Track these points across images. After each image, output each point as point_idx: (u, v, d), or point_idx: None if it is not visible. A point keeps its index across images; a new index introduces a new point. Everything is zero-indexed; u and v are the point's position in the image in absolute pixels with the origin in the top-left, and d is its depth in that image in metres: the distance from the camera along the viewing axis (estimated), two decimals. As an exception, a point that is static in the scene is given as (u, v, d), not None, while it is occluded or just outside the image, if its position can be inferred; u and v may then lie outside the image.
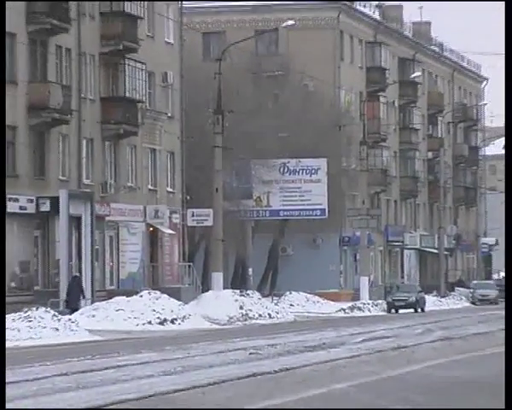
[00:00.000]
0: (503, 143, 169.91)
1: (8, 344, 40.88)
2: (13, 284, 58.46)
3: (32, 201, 59.65)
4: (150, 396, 21.83)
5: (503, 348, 35.98)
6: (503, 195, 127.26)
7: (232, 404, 20.65)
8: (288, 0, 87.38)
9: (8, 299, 54.65)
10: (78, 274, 61.94)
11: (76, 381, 25.27)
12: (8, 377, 26.22)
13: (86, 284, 61.41)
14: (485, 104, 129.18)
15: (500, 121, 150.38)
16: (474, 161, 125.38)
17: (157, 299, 58.17)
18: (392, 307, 77.88)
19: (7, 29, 57.99)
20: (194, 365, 29.94)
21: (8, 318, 47.62)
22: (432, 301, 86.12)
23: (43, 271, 60.87)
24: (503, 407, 8.96)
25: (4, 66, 51.81)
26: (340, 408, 18.37)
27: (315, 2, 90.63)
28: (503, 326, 49.87)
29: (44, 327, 46.69)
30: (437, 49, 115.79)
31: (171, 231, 71.87)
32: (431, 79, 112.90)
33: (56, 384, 24.52)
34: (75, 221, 61.65)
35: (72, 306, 57.25)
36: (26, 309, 49.49)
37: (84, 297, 59.20)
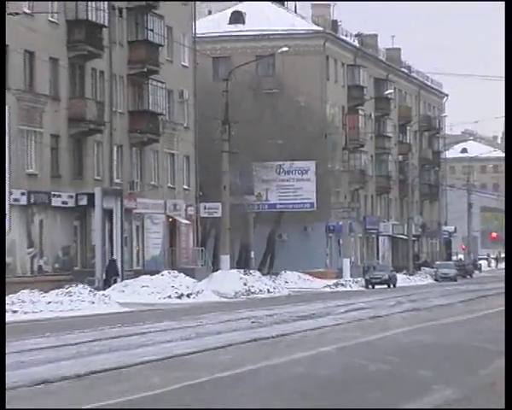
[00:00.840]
0: (461, 147, 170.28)
1: (51, 315, 41.21)
2: (56, 265, 58.51)
3: (72, 197, 59.74)
4: (169, 358, 22.07)
5: (460, 317, 36.22)
6: (461, 191, 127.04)
7: (236, 364, 20.58)
8: (283, 30, 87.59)
9: (52, 277, 54.70)
10: (115, 258, 62.53)
11: (108, 345, 25.56)
12: (52, 342, 26.93)
13: (119, 265, 61.71)
14: (446, 116, 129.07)
15: (458, 130, 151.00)
16: (437, 163, 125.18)
17: (175, 277, 58.28)
18: (370, 283, 77.72)
19: (51, 55, 58.29)
20: (205, 331, 29.99)
21: (52, 293, 47.57)
22: (402, 279, 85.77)
23: (82, 254, 60.86)
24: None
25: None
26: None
27: (305, 32, 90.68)
28: (461, 299, 50.05)
29: (82, 301, 46.67)
30: (406, 70, 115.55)
31: (186, 221, 71.88)
32: (401, 95, 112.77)
33: (91, 348, 24.70)
34: (108, 213, 61.69)
35: (109, 283, 57.64)
36: (67, 286, 49.50)
37: (119, 276, 59.49)
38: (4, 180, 46.35)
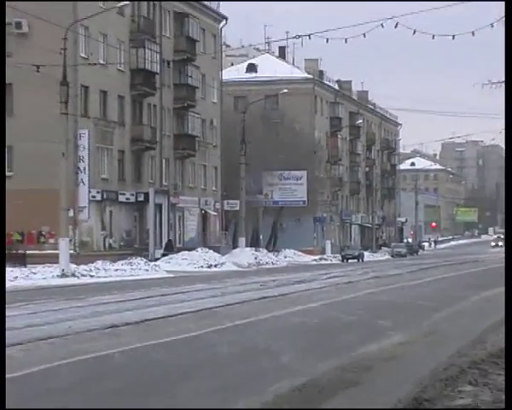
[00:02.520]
0: (411, 161, 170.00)
1: (118, 279, 40.88)
2: (121, 243, 58.41)
3: (133, 195, 59.61)
4: (201, 310, 21.91)
5: (408, 283, 36.14)
6: (410, 193, 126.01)
7: (249, 315, 20.50)
8: (284, 77, 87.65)
9: (118, 252, 54.53)
10: (171, 239, 62.81)
11: (157, 301, 25.43)
12: (118, 298, 26.67)
13: (164, 243, 61.80)
14: (400, 139, 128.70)
15: (408, 149, 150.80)
16: (393, 173, 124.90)
17: (206, 253, 58.30)
18: (344, 258, 77.49)
19: (119, 93, 58.28)
20: (227, 291, 29.85)
21: (118, 263, 47.46)
22: (367, 255, 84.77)
23: (139, 236, 60.82)
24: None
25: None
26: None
27: (300, 78, 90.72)
28: (409, 270, 49.94)
29: (140, 269, 46.67)
30: (371, 106, 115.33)
31: (214, 213, 71.90)
32: (368, 124, 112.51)
33: (146, 303, 24.56)
34: (158, 207, 61.50)
35: (167, 255, 57.66)
36: (129, 258, 49.59)
37: (174, 251, 59.58)
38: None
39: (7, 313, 20.96)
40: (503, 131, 49.11)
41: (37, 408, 8.57)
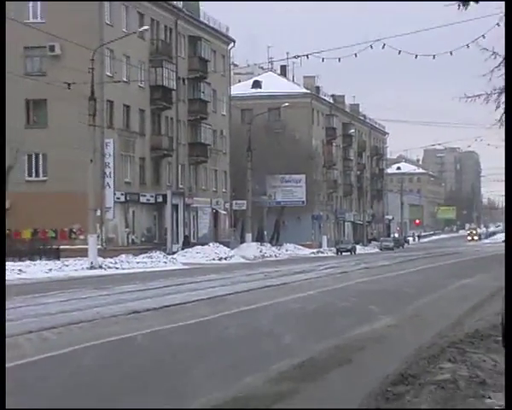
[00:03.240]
0: (397, 166, 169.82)
1: (139, 270, 40.74)
2: (142, 239, 58.22)
3: (152, 196, 59.43)
4: (213, 297, 21.88)
5: (395, 273, 36.08)
6: (396, 193, 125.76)
7: (255, 301, 20.45)
8: (285, 92, 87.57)
9: (139, 246, 54.51)
10: (187, 235, 62.85)
11: (174, 289, 25.37)
12: (140, 287, 26.58)
13: (180, 239, 61.85)
14: (387, 147, 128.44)
15: (394, 155, 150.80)
16: (381, 176, 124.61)
17: (217, 247, 58.36)
18: (339, 251, 77.35)
19: (140, 107, 58.24)
20: (236, 281, 29.79)
21: (140, 256, 47.54)
22: (359, 249, 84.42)
23: (158, 232, 60.68)
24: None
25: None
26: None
27: (299, 93, 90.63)
28: (396, 262, 49.99)
29: (159, 261, 46.73)
30: (362, 118, 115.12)
31: (224, 212, 71.82)
32: (359, 133, 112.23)
33: (164, 291, 24.60)
34: (175, 207, 61.32)
35: (184, 249, 57.78)
36: (149, 252, 49.78)
37: (190, 245, 59.63)
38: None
39: (43, 301, 21.05)
40: (479, 139, 48.82)
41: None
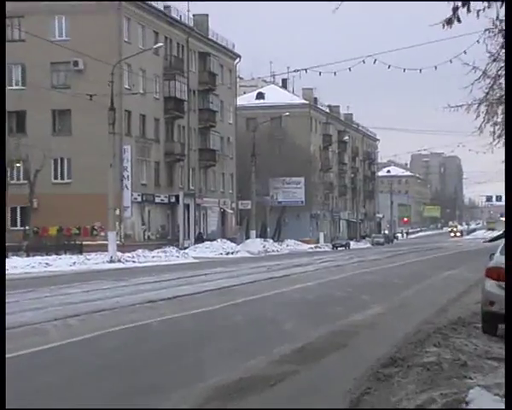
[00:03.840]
0: (387, 169, 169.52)
1: (154, 264, 40.70)
2: (157, 235, 58.07)
3: (166, 197, 59.29)
4: (220, 288, 21.78)
5: (386, 266, 36.07)
6: (386, 194, 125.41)
7: (258, 292, 20.40)
8: (286, 103, 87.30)
9: (155, 242, 54.32)
10: (201, 232, 62.90)
11: (186, 281, 25.24)
12: (155, 279, 26.53)
13: (191, 235, 61.76)
14: (378, 151, 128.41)
15: (385, 159, 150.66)
16: (373, 179, 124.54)
17: (224, 243, 58.32)
18: (335, 246, 77.39)
19: (155, 116, 58.21)
20: (241, 273, 29.71)
21: (155, 251, 47.00)
22: (353, 244, 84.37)
23: (172, 229, 60.61)
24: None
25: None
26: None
27: (299, 104, 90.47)
28: (386, 256, 49.96)
29: (172, 256, 46.47)
30: (355, 126, 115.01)
31: (231, 211, 71.76)
32: (352, 140, 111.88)
33: (177, 282, 24.52)
34: (186, 206, 61.35)
35: (198, 244, 57.86)
36: (163, 247, 49.65)
37: (203, 241, 59.62)
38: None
39: (67, 291, 21.07)
40: (461, 145, 48.35)
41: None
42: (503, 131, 24.03)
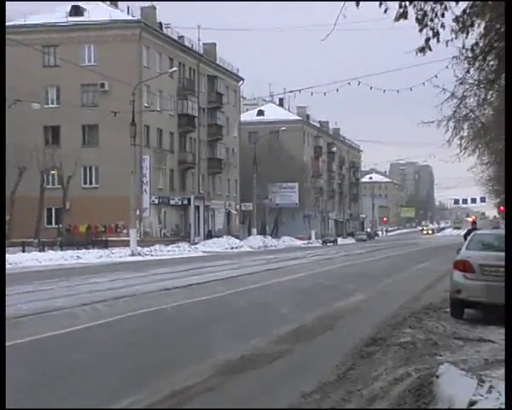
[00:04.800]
0: (369, 176, 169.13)
1: (169, 257, 40.44)
2: (172, 233, 57.87)
3: (179, 199, 58.97)
4: (226, 278, 21.65)
5: (368, 259, 35.92)
6: (369, 197, 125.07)
7: (258, 281, 20.25)
8: (282, 119, 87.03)
9: (169, 238, 54.23)
10: (210, 229, 62.47)
11: (197, 271, 25.08)
12: (169, 270, 26.28)
13: (201, 233, 61.71)
14: (361, 161, 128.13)
15: (367, 167, 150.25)
16: (357, 184, 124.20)
17: (229, 239, 58.09)
18: (324, 242, 76.92)
19: (170, 130, 58.11)
20: (244, 265, 29.52)
21: (169, 246, 46.88)
22: (340, 240, 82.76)
23: (184, 227, 60.44)
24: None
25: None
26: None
27: (293, 119, 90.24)
28: (368, 250, 49.82)
29: (184, 250, 46.38)
30: (342, 138, 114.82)
31: (235, 212, 71.51)
32: (340, 151, 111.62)
33: (188, 273, 24.29)
34: (197, 208, 61.08)
35: (207, 240, 57.34)
36: (177, 243, 49.53)
37: (211, 237, 59.25)
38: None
39: (95, 280, 21.04)
40: (432, 156, 48.14)
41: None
42: (469, 144, 24.06)
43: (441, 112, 19.80)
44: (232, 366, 8.55)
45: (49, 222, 51.55)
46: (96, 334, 10.93)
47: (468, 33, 7.81)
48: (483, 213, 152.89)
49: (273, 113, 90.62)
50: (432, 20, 7.12)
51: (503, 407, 4.96)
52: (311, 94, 33.53)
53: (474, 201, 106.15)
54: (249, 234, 67.61)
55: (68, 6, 54.05)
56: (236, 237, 60.57)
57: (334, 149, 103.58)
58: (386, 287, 19.23)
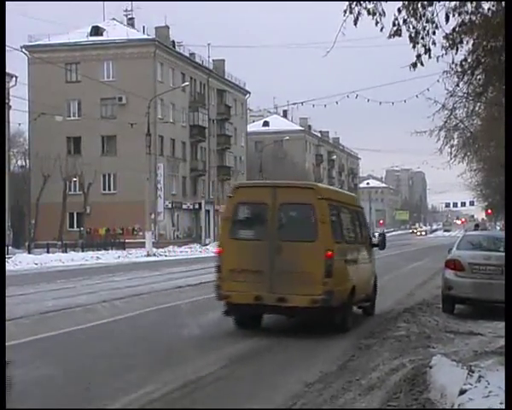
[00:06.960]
0: (366, 182, 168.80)
1: (182, 257, 40.06)
2: (184, 235, 57.85)
3: (192, 204, 58.90)
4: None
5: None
6: (366, 201, 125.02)
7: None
8: (286, 129, 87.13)
9: (182, 240, 54.25)
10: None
11: (207, 270, 24.59)
12: (183, 269, 26.09)
13: (211, 235, 61.36)
14: (359, 167, 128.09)
15: (365, 174, 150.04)
16: (355, 189, 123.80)
17: (237, 240, 58.11)
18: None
19: (182, 140, 58.21)
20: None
21: (182, 247, 47.12)
22: None
23: (196, 230, 60.36)
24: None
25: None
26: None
27: (296, 130, 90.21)
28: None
29: (196, 251, 46.33)
30: (341, 147, 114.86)
31: (242, 215, 71.40)
32: (339, 158, 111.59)
33: (200, 272, 23.78)
34: (207, 212, 60.84)
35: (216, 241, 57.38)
36: (189, 244, 49.62)
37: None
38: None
39: (114, 279, 21.06)
40: (425, 163, 47.64)
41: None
42: (459, 152, 24.00)
43: (433, 122, 19.78)
44: (242, 356, 8.54)
45: (71, 225, 51.66)
46: (115, 328, 10.95)
47: (457, 50, 7.87)
48: (472, 216, 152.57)
49: (277, 123, 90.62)
50: (423, 38, 7.18)
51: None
52: (313, 106, 33.67)
53: (463, 204, 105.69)
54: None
55: (89, 27, 54.35)
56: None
57: (334, 156, 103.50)
58: (383, 284, 19.15)
